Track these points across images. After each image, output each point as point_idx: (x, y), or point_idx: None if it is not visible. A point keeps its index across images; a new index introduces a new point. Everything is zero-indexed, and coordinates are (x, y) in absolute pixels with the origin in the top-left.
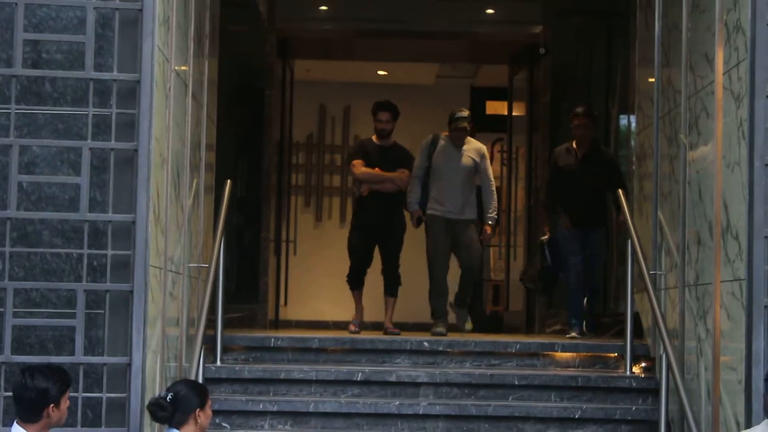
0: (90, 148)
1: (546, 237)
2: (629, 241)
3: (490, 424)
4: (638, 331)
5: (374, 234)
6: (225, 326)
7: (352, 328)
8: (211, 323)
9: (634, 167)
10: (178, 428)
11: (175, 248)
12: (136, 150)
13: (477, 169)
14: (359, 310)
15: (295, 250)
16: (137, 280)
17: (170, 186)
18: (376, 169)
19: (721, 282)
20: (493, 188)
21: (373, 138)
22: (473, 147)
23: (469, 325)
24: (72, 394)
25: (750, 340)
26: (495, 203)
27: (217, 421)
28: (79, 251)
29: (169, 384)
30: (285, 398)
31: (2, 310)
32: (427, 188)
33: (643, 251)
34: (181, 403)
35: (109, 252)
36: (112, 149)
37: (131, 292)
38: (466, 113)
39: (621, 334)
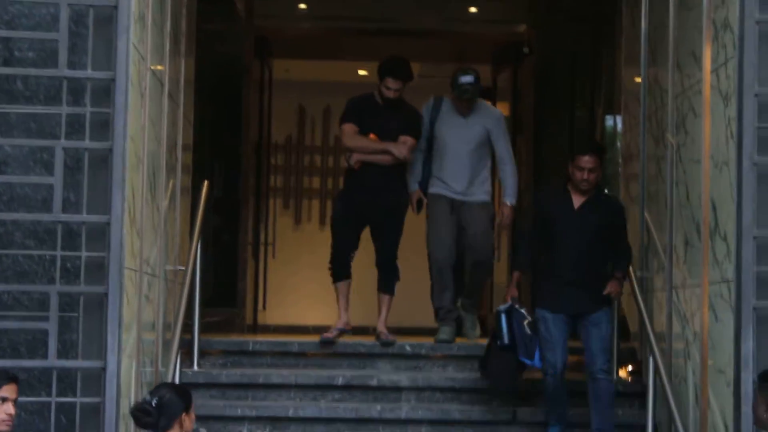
0: (63, 148)
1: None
2: None
3: (473, 429)
4: (625, 335)
5: (365, 212)
6: (202, 331)
7: (326, 334)
8: (187, 327)
9: (620, 168)
10: None
11: (151, 250)
12: (110, 150)
13: (489, 139)
14: (344, 309)
15: (273, 254)
16: (112, 283)
17: (146, 187)
18: (371, 135)
19: (710, 284)
20: (512, 162)
21: (374, 93)
22: (485, 112)
23: (477, 331)
24: (45, 399)
25: (739, 343)
26: (515, 179)
27: (195, 426)
28: (52, 253)
29: (145, 389)
30: (264, 403)
31: None
32: (429, 164)
33: None
34: (166, 408)
35: (84, 254)
36: (87, 149)
37: (106, 294)
38: (471, 77)
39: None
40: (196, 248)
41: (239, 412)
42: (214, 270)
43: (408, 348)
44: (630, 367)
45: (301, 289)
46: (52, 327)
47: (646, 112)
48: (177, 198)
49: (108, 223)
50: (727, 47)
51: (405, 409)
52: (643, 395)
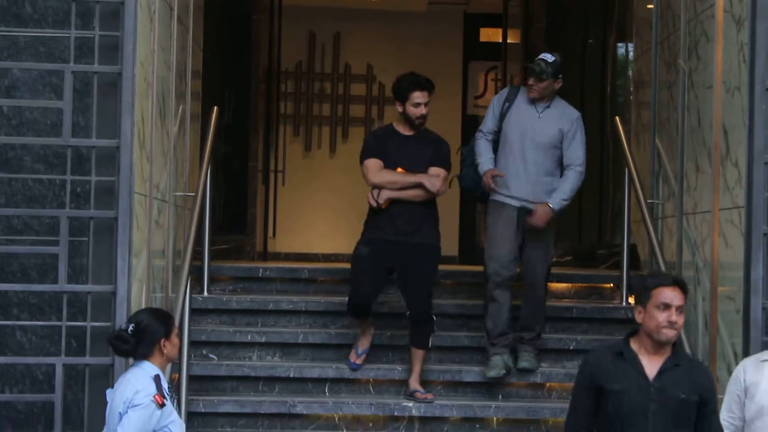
0: (72, 72)
1: None
2: (626, 170)
3: (483, 356)
4: (635, 263)
5: (393, 256)
6: (212, 258)
7: (353, 359)
8: (197, 254)
9: (631, 96)
10: (143, 360)
11: (161, 176)
12: (119, 74)
13: (563, 142)
14: (367, 335)
15: (283, 181)
16: (122, 207)
17: (155, 112)
18: (399, 169)
19: (720, 210)
20: (581, 167)
21: (395, 124)
22: (560, 110)
23: (531, 363)
24: (55, 323)
25: (749, 269)
26: (573, 186)
27: (204, 352)
28: (62, 177)
29: None
30: (273, 329)
31: None
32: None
33: (640, 180)
34: (144, 334)
35: (93, 178)
36: (95, 73)
37: (116, 219)
38: (550, 55)
39: (617, 266)
40: (206, 174)
41: (249, 338)
42: (224, 197)
43: None
44: None
45: (311, 217)
46: (62, 251)
47: (658, 38)
48: (187, 124)
49: (117, 148)
50: None
51: None
52: None
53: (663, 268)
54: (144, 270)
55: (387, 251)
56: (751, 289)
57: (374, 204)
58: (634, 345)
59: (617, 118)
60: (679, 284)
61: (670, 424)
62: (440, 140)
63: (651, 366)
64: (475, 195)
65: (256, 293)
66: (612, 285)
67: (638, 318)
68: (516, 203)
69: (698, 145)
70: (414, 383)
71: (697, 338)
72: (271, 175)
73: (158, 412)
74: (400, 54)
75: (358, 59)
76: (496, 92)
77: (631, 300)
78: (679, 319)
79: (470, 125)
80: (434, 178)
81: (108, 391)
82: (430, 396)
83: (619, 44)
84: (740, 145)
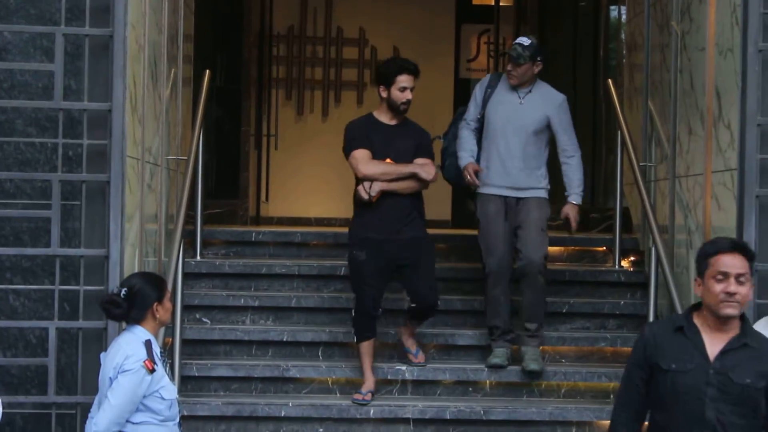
0: (64, 34)
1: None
2: (619, 133)
3: (477, 319)
4: (627, 227)
5: (386, 253)
6: (205, 222)
7: (357, 396)
8: (190, 218)
9: (624, 59)
10: (136, 324)
11: (153, 139)
12: (111, 36)
13: (550, 126)
14: (369, 371)
15: (276, 145)
16: (114, 171)
17: (147, 76)
18: (388, 160)
19: (713, 172)
20: (578, 153)
21: (375, 114)
22: (544, 94)
23: (538, 364)
24: (48, 286)
25: (741, 232)
26: (581, 174)
27: (197, 316)
28: (53, 141)
29: None
30: (266, 293)
31: None
32: (477, 152)
33: (633, 143)
34: (136, 298)
35: (85, 141)
36: (87, 35)
37: (108, 182)
38: (527, 39)
39: (610, 229)
40: (198, 138)
41: (242, 302)
42: (217, 161)
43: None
44: (632, 258)
45: (304, 181)
46: (54, 215)
47: (650, 0)
48: (179, 88)
49: (109, 111)
50: None
51: (408, 298)
52: (645, 285)
53: (655, 230)
54: (136, 234)
55: (381, 251)
56: None
57: (366, 197)
58: (697, 320)
59: (610, 81)
60: (739, 249)
61: (731, 413)
62: (422, 130)
63: (714, 344)
64: (461, 186)
65: (249, 257)
66: (605, 248)
67: (697, 291)
68: (502, 192)
69: (691, 107)
70: (408, 342)
71: (690, 300)
72: (264, 139)
73: (148, 377)
74: (393, 18)
75: (350, 23)
76: (489, 56)
77: (624, 263)
78: (741, 290)
79: (463, 89)
80: (428, 166)
81: (102, 355)
82: (422, 358)
83: (612, 7)
84: (733, 107)
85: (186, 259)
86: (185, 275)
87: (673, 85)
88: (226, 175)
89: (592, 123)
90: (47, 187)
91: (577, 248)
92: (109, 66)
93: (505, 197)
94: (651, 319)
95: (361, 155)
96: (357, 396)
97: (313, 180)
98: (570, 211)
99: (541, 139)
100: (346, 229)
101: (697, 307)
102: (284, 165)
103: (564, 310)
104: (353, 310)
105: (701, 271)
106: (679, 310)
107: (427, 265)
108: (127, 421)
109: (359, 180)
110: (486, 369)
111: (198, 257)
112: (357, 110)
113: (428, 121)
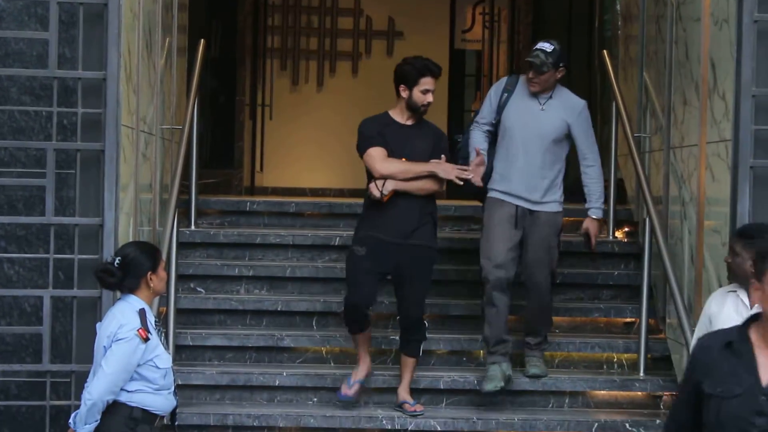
0: (58, 2)
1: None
2: (614, 104)
3: (468, 289)
4: (622, 198)
5: (388, 255)
6: (199, 192)
7: (345, 391)
8: (184, 188)
9: (619, 30)
10: (130, 294)
11: (148, 109)
12: (105, 5)
13: (569, 134)
14: (363, 360)
15: (271, 115)
16: (109, 140)
17: (142, 45)
18: (403, 159)
19: (707, 143)
20: (597, 163)
21: (391, 113)
22: (564, 100)
23: (541, 368)
24: (43, 255)
25: (735, 203)
26: (601, 185)
27: (192, 285)
28: (48, 109)
29: None
30: (261, 263)
31: None
32: (490, 157)
33: (627, 114)
34: (130, 267)
35: (80, 110)
36: (81, 3)
37: (102, 151)
38: (549, 44)
39: (604, 200)
40: (193, 108)
41: (236, 271)
42: (211, 131)
43: None
44: (626, 229)
45: (299, 151)
46: (49, 183)
47: None
48: (173, 57)
49: (104, 79)
50: None
51: None
52: (639, 256)
53: (649, 201)
54: (131, 203)
55: (383, 252)
56: (737, 223)
57: (378, 195)
58: (754, 334)
59: (605, 52)
60: None
61: None
62: (440, 132)
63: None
64: (472, 190)
65: (244, 227)
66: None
67: (754, 298)
68: (515, 201)
69: (686, 78)
70: (404, 393)
71: (683, 270)
72: (259, 109)
73: (142, 346)
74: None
75: None
76: (484, 26)
77: (618, 234)
78: None
79: (458, 60)
80: (447, 165)
81: (97, 325)
82: (419, 408)
83: None
84: (728, 78)
85: (180, 229)
86: (180, 245)
87: (668, 55)
88: (221, 145)
89: (587, 94)
90: (42, 155)
91: (571, 219)
92: (104, 35)
93: (517, 206)
94: (645, 289)
95: (377, 153)
96: (345, 391)
97: (308, 150)
98: (590, 227)
99: (560, 147)
100: (340, 200)
101: (756, 318)
102: (279, 135)
103: (558, 281)
104: (343, 306)
105: (761, 273)
106: (673, 282)
107: (424, 278)
108: (122, 389)
109: (370, 178)
110: (479, 340)
111: (192, 227)
112: (353, 80)
113: None
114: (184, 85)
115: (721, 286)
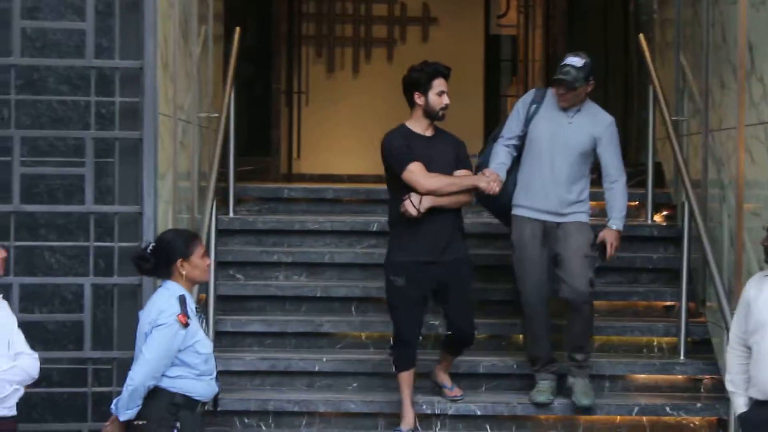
0: None
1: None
2: (651, 87)
3: (507, 274)
4: (659, 181)
5: (426, 277)
6: (237, 180)
7: None
8: (222, 175)
9: (655, 14)
10: (169, 280)
11: (185, 97)
12: None
13: (595, 148)
14: (409, 404)
15: (307, 102)
16: (147, 128)
17: (178, 33)
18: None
19: (745, 126)
20: (623, 178)
21: (409, 125)
22: (593, 115)
23: (589, 398)
24: (83, 243)
25: None
26: (625, 200)
27: (231, 272)
28: (86, 99)
29: None
30: (300, 249)
31: (9, 159)
32: (514, 171)
33: (665, 97)
34: (161, 253)
35: (117, 99)
36: None
37: (141, 140)
38: (579, 58)
39: (642, 184)
40: (230, 96)
41: (275, 258)
42: (248, 119)
43: None
44: (665, 212)
45: (335, 138)
46: (88, 172)
47: None
48: (209, 45)
49: (141, 68)
50: None
51: None
52: (678, 239)
53: (688, 184)
54: (170, 191)
55: (422, 274)
56: None
57: (415, 213)
58: None
59: (641, 35)
60: None
61: None
62: (459, 141)
63: None
64: (493, 207)
65: (282, 214)
66: (637, 202)
67: None
68: (541, 216)
69: (723, 61)
70: (443, 375)
71: (723, 254)
72: (294, 97)
73: (182, 331)
74: None
75: None
76: (519, 11)
77: (657, 217)
78: None
79: (493, 45)
80: (488, 178)
81: (140, 313)
82: (459, 392)
83: None
84: (765, 60)
85: (219, 216)
86: (218, 232)
87: (705, 38)
88: (258, 133)
89: (623, 78)
90: (80, 144)
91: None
92: (140, 24)
93: (544, 221)
94: (684, 273)
95: (417, 168)
96: None
97: (345, 136)
98: (608, 236)
99: (586, 161)
100: (378, 185)
101: None
102: (315, 122)
103: (596, 265)
104: (392, 338)
105: None
106: (713, 265)
107: (465, 290)
108: (164, 375)
109: (395, 195)
110: (518, 324)
111: (231, 214)
112: (388, 66)
113: (458, 79)
114: (220, 73)
115: (761, 269)
